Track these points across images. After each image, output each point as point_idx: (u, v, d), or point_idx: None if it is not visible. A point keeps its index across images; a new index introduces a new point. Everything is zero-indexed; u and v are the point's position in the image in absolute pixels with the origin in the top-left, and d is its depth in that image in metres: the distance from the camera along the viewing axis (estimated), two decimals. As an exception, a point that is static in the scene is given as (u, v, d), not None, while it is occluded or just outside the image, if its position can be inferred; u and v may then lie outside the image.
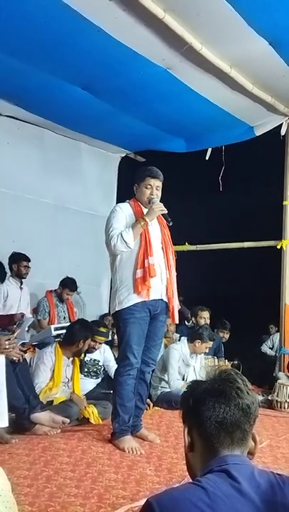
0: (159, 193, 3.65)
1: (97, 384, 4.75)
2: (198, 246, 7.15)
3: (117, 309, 3.51)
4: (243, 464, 1.22)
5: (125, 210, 3.61)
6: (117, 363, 3.65)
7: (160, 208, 3.54)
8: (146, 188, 3.62)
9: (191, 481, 1.24)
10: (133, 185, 3.73)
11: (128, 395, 3.47)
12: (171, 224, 3.65)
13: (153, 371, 4.69)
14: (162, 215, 3.61)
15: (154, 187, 3.61)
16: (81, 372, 4.53)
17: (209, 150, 6.64)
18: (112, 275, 3.63)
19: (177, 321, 3.84)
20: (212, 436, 1.25)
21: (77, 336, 4.23)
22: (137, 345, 3.47)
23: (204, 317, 6.13)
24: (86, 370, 4.69)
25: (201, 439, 1.28)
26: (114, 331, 4.42)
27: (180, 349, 5.07)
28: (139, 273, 3.44)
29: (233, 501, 1.10)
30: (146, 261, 3.45)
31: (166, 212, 3.59)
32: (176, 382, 4.91)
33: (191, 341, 5.12)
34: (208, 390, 1.30)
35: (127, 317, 3.46)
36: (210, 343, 5.20)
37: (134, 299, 3.45)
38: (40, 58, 4.72)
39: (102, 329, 4.76)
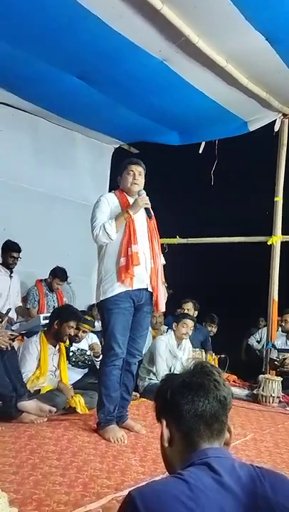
0: (142, 179, 3.68)
1: (85, 374, 4.77)
2: (189, 239, 7.17)
3: (101, 299, 3.53)
4: (224, 456, 1.23)
5: (110, 201, 3.63)
6: (102, 354, 3.67)
7: (144, 202, 3.57)
8: (129, 174, 3.66)
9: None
10: (117, 178, 3.77)
11: (113, 385, 3.49)
12: (151, 219, 3.68)
13: (140, 362, 4.73)
14: (145, 208, 3.63)
15: (136, 172, 3.66)
16: (69, 362, 4.54)
17: (203, 144, 6.65)
18: (98, 264, 3.65)
19: (162, 310, 3.83)
20: (192, 429, 1.26)
21: (53, 319, 4.23)
22: (122, 335, 3.49)
23: (186, 309, 6.14)
24: (74, 359, 4.70)
25: (179, 432, 1.28)
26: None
27: (167, 340, 5.10)
28: (123, 261, 3.47)
29: (215, 494, 1.11)
30: (129, 249, 3.47)
31: (150, 206, 3.61)
32: (165, 372, 4.92)
33: (173, 329, 5.17)
34: (187, 383, 1.30)
35: (111, 307, 3.48)
36: (187, 321, 5.13)
37: (118, 289, 3.47)
38: (36, 46, 4.68)
39: (87, 317, 4.75)
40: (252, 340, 7.83)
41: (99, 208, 3.59)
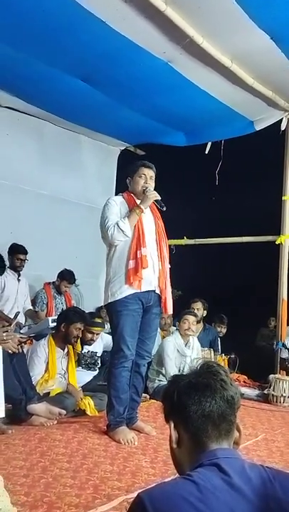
0: (153, 184, 3.67)
1: (94, 376, 4.77)
2: (196, 240, 7.15)
3: (109, 301, 3.54)
4: (234, 457, 1.22)
5: (118, 202, 3.64)
6: (111, 356, 3.67)
7: (154, 195, 3.57)
8: (140, 177, 3.64)
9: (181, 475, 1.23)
10: (126, 179, 3.76)
11: (123, 387, 3.49)
12: (164, 209, 3.66)
13: (149, 364, 4.71)
14: (156, 201, 3.62)
15: (147, 176, 3.65)
16: (79, 365, 4.54)
17: (209, 144, 6.64)
18: (106, 267, 3.65)
19: (170, 312, 3.84)
20: (199, 430, 1.25)
21: (60, 322, 4.25)
22: (131, 336, 3.49)
23: (196, 308, 6.12)
24: (83, 362, 4.70)
25: (188, 433, 1.27)
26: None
27: (174, 340, 5.08)
28: (131, 264, 3.46)
29: (225, 495, 1.10)
30: (138, 252, 3.47)
31: (160, 198, 3.61)
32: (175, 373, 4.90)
33: (177, 328, 5.19)
34: (193, 383, 1.30)
35: (120, 309, 3.48)
36: (187, 317, 5.11)
37: (126, 291, 3.47)
38: (40, 49, 4.70)
39: (98, 319, 4.75)
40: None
41: (109, 210, 3.59)
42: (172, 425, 1.31)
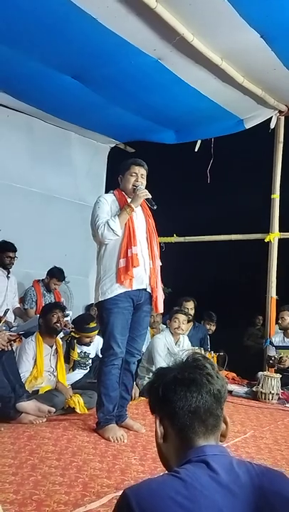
0: (144, 182, 3.67)
1: (84, 374, 4.76)
2: (186, 238, 7.16)
3: (100, 299, 3.53)
4: (222, 454, 1.20)
5: (109, 200, 3.63)
6: (101, 354, 3.66)
7: (144, 193, 3.56)
8: (132, 175, 3.64)
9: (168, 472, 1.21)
10: (118, 177, 3.75)
11: (112, 384, 3.49)
12: (155, 207, 3.65)
13: (139, 361, 4.72)
14: (146, 199, 3.62)
15: (138, 174, 3.65)
16: (73, 369, 4.55)
17: (199, 142, 6.65)
18: (97, 265, 3.64)
19: (161, 311, 3.84)
20: (186, 426, 1.23)
21: (39, 319, 4.31)
22: (121, 334, 3.49)
23: (188, 307, 6.12)
24: (77, 363, 4.70)
25: (174, 429, 1.25)
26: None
27: (164, 338, 5.09)
28: (122, 263, 3.46)
29: (212, 493, 1.09)
30: (129, 250, 3.47)
31: (150, 197, 3.60)
32: None
33: (168, 326, 5.20)
34: (178, 379, 1.27)
35: (110, 307, 3.48)
36: (178, 315, 5.14)
37: (117, 290, 3.47)
38: (30, 46, 4.67)
39: (93, 324, 4.71)
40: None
41: (100, 208, 3.58)
42: (158, 420, 1.29)
